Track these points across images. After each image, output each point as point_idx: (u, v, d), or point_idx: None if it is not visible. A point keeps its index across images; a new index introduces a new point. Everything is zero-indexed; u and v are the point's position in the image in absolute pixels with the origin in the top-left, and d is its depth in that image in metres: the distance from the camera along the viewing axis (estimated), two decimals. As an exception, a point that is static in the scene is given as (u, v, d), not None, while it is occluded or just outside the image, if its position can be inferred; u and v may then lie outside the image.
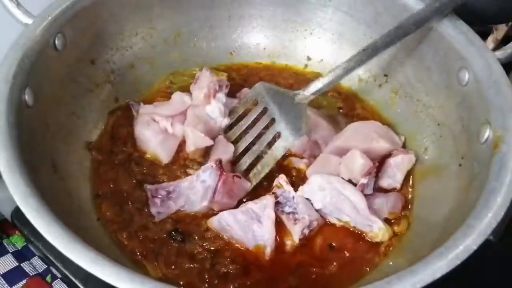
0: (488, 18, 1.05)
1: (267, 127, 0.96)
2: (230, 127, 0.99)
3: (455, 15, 0.93)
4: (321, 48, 1.14)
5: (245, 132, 0.98)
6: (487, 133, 0.80)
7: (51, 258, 0.91)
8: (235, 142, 0.97)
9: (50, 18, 0.86)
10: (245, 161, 0.95)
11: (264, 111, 0.97)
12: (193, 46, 1.13)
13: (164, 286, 0.59)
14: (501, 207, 0.68)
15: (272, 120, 0.96)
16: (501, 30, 1.13)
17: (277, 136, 0.95)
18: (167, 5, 1.07)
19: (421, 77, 1.01)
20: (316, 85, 0.95)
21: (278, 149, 0.94)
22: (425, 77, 1.00)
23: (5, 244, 0.97)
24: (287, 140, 0.93)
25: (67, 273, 0.89)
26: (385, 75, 1.09)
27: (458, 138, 0.90)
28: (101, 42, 1.00)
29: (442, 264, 0.63)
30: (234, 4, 1.12)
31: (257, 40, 1.17)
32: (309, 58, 1.16)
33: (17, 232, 0.98)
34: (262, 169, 0.94)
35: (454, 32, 0.92)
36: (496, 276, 0.95)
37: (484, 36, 0.98)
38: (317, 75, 1.11)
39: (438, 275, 0.62)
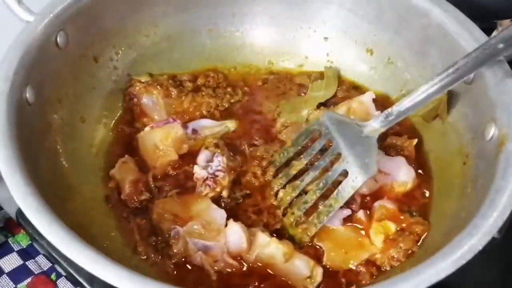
0: (493, 13, 1.04)
1: (330, 164, 0.88)
2: (288, 162, 0.93)
3: (460, 11, 0.93)
4: (325, 46, 1.13)
5: (306, 168, 0.90)
6: (492, 131, 0.79)
7: (56, 256, 0.91)
8: (294, 178, 0.90)
9: (51, 15, 0.86)
10: (305, 202, 0.87)
11: (328, 144, 0.89)
12: (197, 44, 1.12)
13: (165, 286, 0.59)
14: (507, 206, 0.68)
15: (337, 156, 0.87)
16: (505, 26, 1.12)
17: (342, 175, 0.86)
18: (170, 3, 1.06)
19: (426, 75, 0.99)
20: (387, 116, 0.87)
21: (346, 190, 0.84)
22: (429, 75, 0.98)
23: (10, 242, 0.96)
24: (355, 179, 0.84)
25: (72, 271, 0.89)
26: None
27: (463, 136, 0.89)
28: (104, 39, 0.99)
29: (446, 264, 0.62)
30: (238, 1, 1.11)
31: (261, 38, 1.15)
32: (309, 56, 1.15)
33: (22, 230, 0.98)
34: (325, 211, 0.85)
35: (459, 29, 0.91)
36: (500, 272, 0.95)
37: (488, 32, 0.98)
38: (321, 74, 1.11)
39: (442, 275, 0.61)
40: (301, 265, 0.80)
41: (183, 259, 0.82)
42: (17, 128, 0.73)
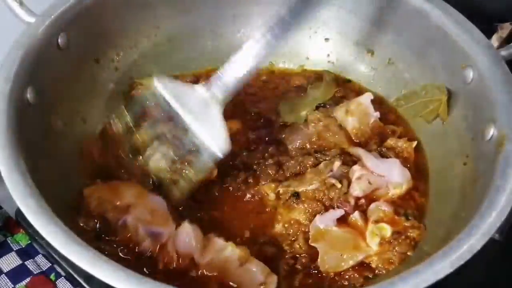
0: (493, 16, 1.04)
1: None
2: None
3: (459, 13, 0.93)
4: (325, 47, 1.14)
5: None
6: (491, 132, 0.79)
7: (55, 256, 0.91)
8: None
9: (53, 17, 0.86)
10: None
11: (169, 118, 0.82)
12: (198, 45, 1.13)
13: (164, 285, 0.59)
14: (506, 206, 0.68)
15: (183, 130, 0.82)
16: (506, 29, 1.13)
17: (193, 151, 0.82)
18: (171, 4, 1.07)
19: (426, 76, 1.00)
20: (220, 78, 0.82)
21: (198, 172, 0.83)
22: (430, 76, 0.99)
23: (9, 242, 0.97)
24: (207, 154, 0.81)
25: (71, 271, 0.89)
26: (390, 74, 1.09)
27: (463, 136, 0.89)
28: (105, 41, 1.00)
29: (445, 264, 0.62)
30: (239, 2, 1.12)
31: (262, 39, 1.16)
32: (310, 57, 1.16)
33: (21, 230, 0.98)
34: (187, 181, 0.82)
35: (459, 31, 0.91)
36: (501, 274, 0.94)
37: (488, 34, 0.98)
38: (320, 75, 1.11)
39: (441, 275, 0.61)
40: (256, 270, 0.78)
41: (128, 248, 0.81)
42: (18, 129, 0.73)
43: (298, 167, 0.93)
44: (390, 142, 0.96)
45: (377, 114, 0.99)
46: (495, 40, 1.13)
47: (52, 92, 0.87)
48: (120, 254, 0.79)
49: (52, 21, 0.86)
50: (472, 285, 0.89)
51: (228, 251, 0.79)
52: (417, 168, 0.96)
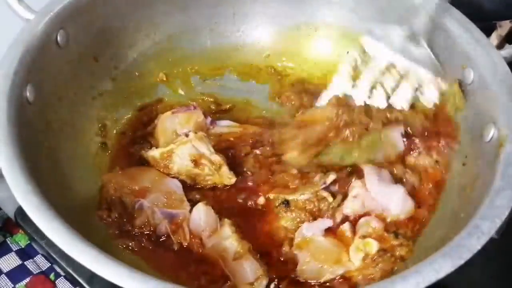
0: (493, 15, 1.04)
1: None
2: None
3: (460, 13, 0.93)
4: (325, 46, 1.14)
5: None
6: (491, 132, 0.79)
7: (54, 256, 0.91)
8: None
9: (52, 13, 0.86)
10: None
11: None
12: (198, 43, 1.12)
13: (166, 284, 0.59)
14: (506, 207, 0.67)
15: None
16: (505, 27, 1.12)
17: None
18: (171, 2, 1.07)
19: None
20: None
21: None
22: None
23: (9, 242, 0.96)
24: None
25: (70, 271, 0.89)
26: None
27: (462, 137, 0.89)
28: (104, 38, 0.99)
29: (446, 263, 0.62)
30: (239, 1, 1.12)
31: (261, 38, 1.16)
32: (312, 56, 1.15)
33: (20, 230, 0.98)
34: None
35: (460, 31, 0.91)
36: (497, 272, 0.95)
37: (488, 32, 0.98)
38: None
39: (442, 274, 0.61)
40: (248, 268, 0.79)
41: (148, 233, 0.84)
42: (17, 127, 0.73)
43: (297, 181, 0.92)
44: (410, 159, 0.93)
45: (402, 147, 0.94)
46: (494, 38, 1.13)
47: (51, 90, 0.87)
48: (143, 244, 0.83)
49: (51, 18, 0.86)
50: (469, 282, 0.89)
51: (228, 242, 0.81)
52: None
